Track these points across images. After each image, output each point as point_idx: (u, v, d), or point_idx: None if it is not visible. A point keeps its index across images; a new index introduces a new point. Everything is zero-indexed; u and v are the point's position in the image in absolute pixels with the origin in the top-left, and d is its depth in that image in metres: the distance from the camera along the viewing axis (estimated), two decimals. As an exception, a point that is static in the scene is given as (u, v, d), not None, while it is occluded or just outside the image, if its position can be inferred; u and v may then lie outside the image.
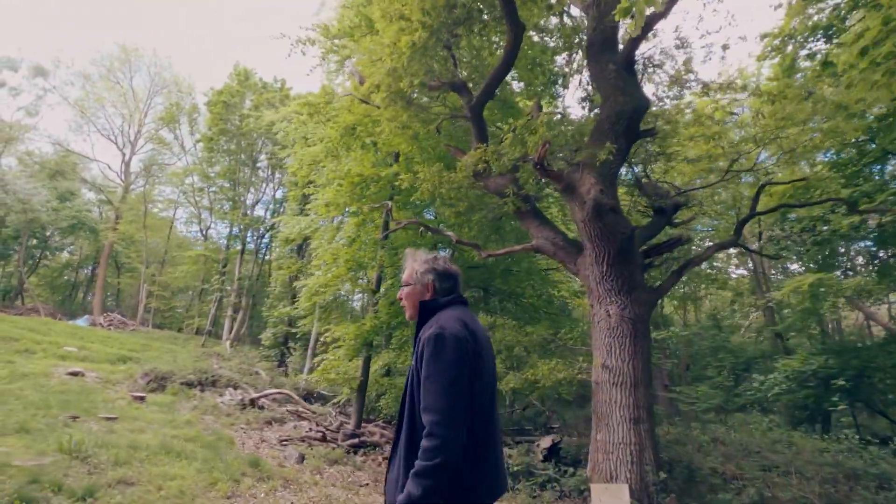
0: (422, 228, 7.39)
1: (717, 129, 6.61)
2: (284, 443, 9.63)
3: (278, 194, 30.32)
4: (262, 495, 5.61)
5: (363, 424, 10.27)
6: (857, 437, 8.67)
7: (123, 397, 12.63)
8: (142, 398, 12.57)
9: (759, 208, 7.19)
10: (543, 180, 6.97)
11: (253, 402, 13.12)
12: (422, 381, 1.73)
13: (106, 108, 31.59)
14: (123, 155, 32.15)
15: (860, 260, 14.38)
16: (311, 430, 10.10)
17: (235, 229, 29.94)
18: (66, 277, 38.23)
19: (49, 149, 32.90)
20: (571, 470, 6.18)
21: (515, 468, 6.76)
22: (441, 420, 1.60)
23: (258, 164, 29.96)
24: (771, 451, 7.40)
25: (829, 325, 17.81)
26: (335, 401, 13.15)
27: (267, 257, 30.69)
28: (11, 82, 32.39)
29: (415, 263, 2.14)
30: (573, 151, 6.14)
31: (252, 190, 29.89)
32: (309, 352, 17.29)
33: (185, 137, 31.31)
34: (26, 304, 30.92)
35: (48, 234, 31.85)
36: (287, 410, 12.59)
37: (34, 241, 31.33)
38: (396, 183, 7.01)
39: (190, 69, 58.17)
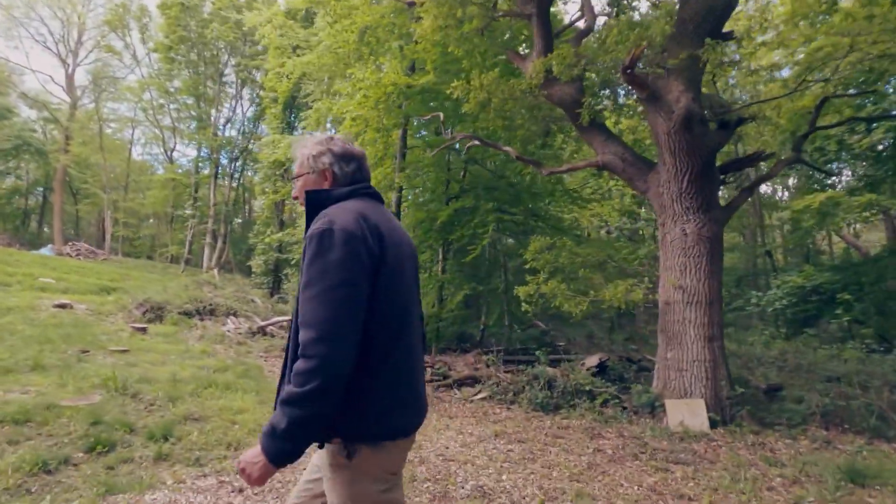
0: (473, 142, 6.73)
1: (806, 32, 6.07)
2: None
3: (249, 112, 28.03)
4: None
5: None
6: (863, 347, 9.25)
7: (123, 329, 12.11)
8: (143, 329, 12.07)
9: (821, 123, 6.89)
10: (605, 90, 6.37)
11: (262, 330, 12.78)
12: (301, 289, 1.34)
13: (38, 9, 27.44)
14: (66, 66, 28.51)
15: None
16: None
17: (205, 151, 27.80)
18: (14, 205, 35.24)
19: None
20: (639, 387, 6.25)
21: (565, 387, 6.79)
22: (319, 335, 1.24)
23: (225, 78, 27.29)
24: (814, 363, 7.74)
25: (810, 247, 18.55)
26: None
27: (241, 181, 28.96)
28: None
29: (304, 149, 1.63)
30: (659, 55, 5.53)
31: (220, 107, 27.43)
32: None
33: (136, 46, 27.87)
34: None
35: (-11, 157, 28.75)
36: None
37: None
38: (448, 92, 6.23)
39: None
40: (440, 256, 10.42)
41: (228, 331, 12.67)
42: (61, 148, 28.19)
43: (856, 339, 10.80)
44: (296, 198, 1.65)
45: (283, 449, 1.25)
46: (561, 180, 9.71)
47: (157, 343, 10.92)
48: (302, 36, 14.66)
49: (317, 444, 1.38)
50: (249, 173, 29.39)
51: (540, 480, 3.62)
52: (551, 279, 6.49)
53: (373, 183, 1.74)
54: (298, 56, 15.46)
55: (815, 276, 11.76)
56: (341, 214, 1.38)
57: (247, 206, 32.50)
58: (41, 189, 36.16)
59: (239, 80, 27.28)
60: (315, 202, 1.52)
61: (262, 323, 12.82)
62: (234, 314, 15.02)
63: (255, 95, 26.66)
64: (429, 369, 8.45)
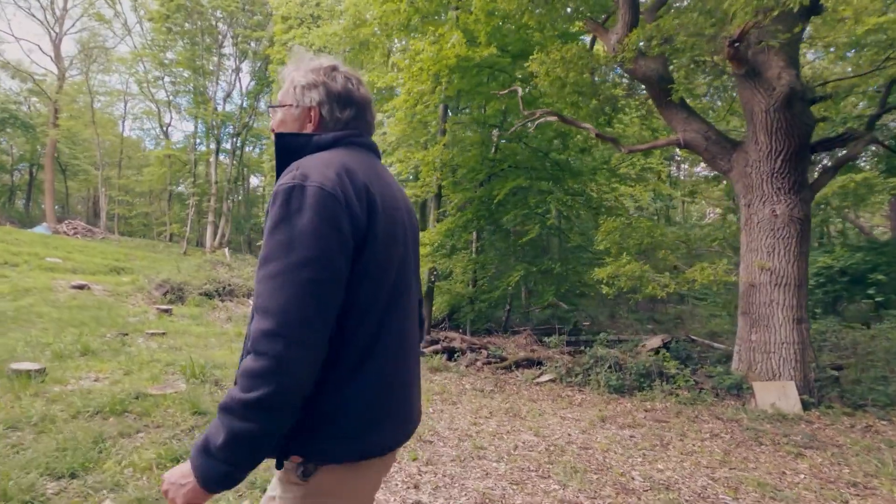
0: (552, 119, 6.47)
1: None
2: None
3: (250, 86, 27.05)
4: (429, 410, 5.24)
5: (431, 331, 10.02)
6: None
7: (147, 310, 11.88)
8: (168, 311, 11.84)
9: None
10: (691, 65, 6.16)
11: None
12: (258, 264, 1.02)
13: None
14: (53, 34, 27.07)
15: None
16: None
17: (202, 127, 26.86)
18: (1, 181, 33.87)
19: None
20: (719, 368, 6.23)
21: (637, 369, 6.75)
22: (275, 328, 0.92)
23: (223, 50, 26.21)
24: (860, 342, 7.82)
25: (824, 229, 18.74)
26: None
27: (241, 158, 28.11)
28: None
29: (297, 73, 1.23)
30: (761, 30, 5.32)
31: (217, 81, 26.40)
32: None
33: (128, 15, 26.50)
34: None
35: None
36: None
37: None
38: (526, 66, 5.94)
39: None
40: (474, 237, 10.25)
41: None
42: (50, 122, 26.98)
43: (884, 319, 11.00)
44: (272, 131, 1.25)
45: (217, 471, 0.94)
46: (607, 160, 9.52)
47: (188, 325, 10.68)
48: (325, 6, 14.01)
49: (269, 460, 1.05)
50: (249, 149, 28.63)
51: (699, 470, 3.54)
52: (629, 260, 6.35)
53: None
54: (309, 28, 14.84)
55: (843, 257, 11.87)
56: (318, 167, 1.03)
57: (246, 183, 31.77)
58: (26, 165, 34.81)
59: (238, 53, 26.23)
60: (286, 148, 1.15)
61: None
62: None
63: (256, 68, 25.69)
64: (483, 351, 8.37)
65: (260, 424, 0.92)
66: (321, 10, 13.77)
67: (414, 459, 3.63)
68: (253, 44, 25.55)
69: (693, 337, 8.50)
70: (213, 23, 25.06)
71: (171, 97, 27.79)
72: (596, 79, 6.73)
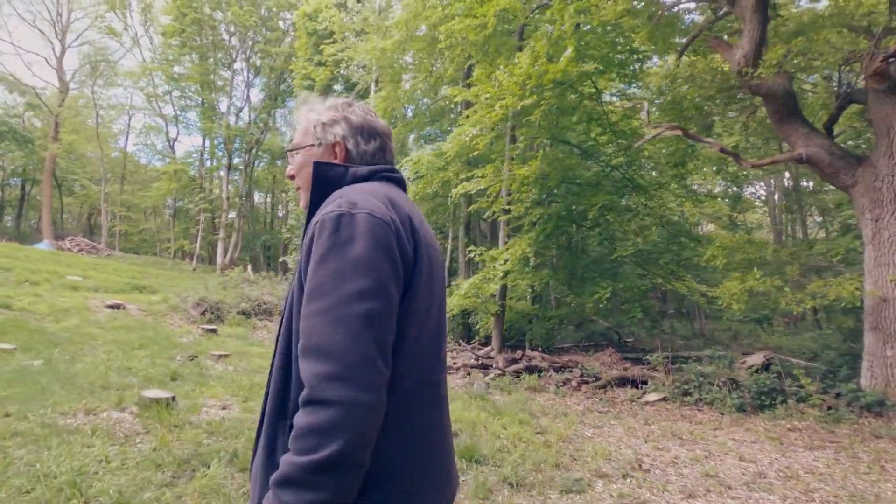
0: (676, 133, 6.39)
1: None
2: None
3: (261, 101, 26.66)
4: (557, 442, 4.97)
5: (504, 350, 9.76)
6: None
7: (190, 331, 11.47)
8: (213, 330, 11.45)
9: None
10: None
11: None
12: (304, 299, 0.90)
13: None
14: (60, 47, 26.42)
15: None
16: (455, 358, 9.44)
17: (209, 142, 26.33)
18: (-11, 197, 32.57)
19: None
20: (851, 385, 6.11)
21: (759, 388, 6.57)
22: (337, 370, 0.81)
23: (235, 65, 25.90)
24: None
25: None
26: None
27: (251, 174, 27.55)
28: None
29: (312, 113, 1.19)
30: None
31: (231, 96, 26.03)
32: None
33: (136, 28, 26.10)
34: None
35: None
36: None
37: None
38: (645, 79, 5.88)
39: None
40: (533, 254, 10.09)
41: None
42: (50, 136, 26.15)
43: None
44: (291, 177, 1.19)
45: None
46: (680, 175, 9.50)
47: (242, 345, 10.27)
48: (372, 20, 13.91)
49: None
50: (259, 165, 28.14)
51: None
52: (760, 276, 6.24)
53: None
54: (336, 42, 14.72)
55: None
56: (364, 196, 0.97)
57: (249, 200, 31.13)
58: (18, 180, 33.62)
59: (250, 68, 25.96)
60: (324, 178, 1.07)
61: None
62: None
63: (270, 83, 25.42)
64: (575, 370, 8.12)
65: (333, 492, 0.79)
66: (367, 24, 13.68)
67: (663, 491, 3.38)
68: (269, 59, 25.34)
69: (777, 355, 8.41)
70: (227, 38, 24.82)
71: (178, 112, 27.29)
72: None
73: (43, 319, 9.77)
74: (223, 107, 26.13)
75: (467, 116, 10.32)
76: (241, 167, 26.00)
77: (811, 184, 16.13)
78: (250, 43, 25.08)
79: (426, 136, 18.18)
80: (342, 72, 17.30)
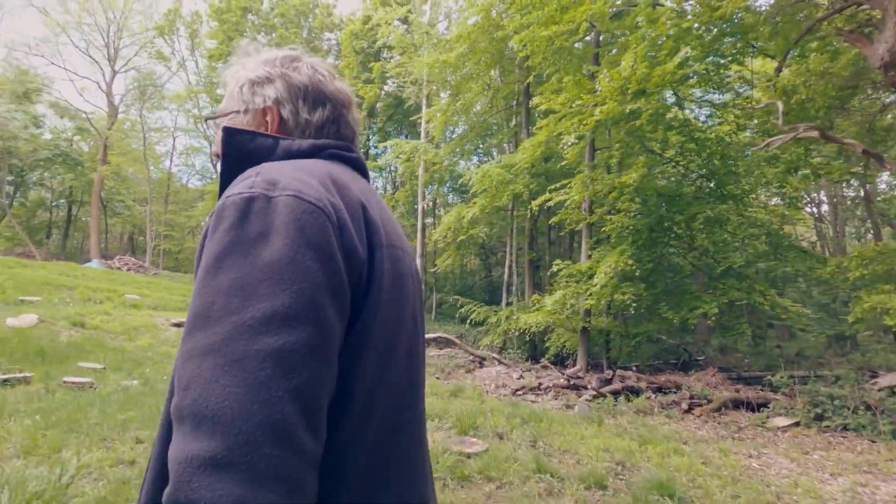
0: (811, 135, 5.90)
1: None
2: (519, 392, 8.47)
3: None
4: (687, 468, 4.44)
5: (589, 370, 9.23)
6: None
7: None
8: None
9: None
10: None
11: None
12: (185, 328, 0.59)
13: (77, 14, 26.32)
14: (110, 72, 27.33)
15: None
16: (539, 378, 8.95)
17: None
18: (38, 218, 33.66)
19: (9, 62, 27.41)
20: None
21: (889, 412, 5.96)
22: (221, 451, 0.48)
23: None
24: None
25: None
26: (483, 345, 12.01)
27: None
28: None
29: (243, 70, 0.89)
30: None
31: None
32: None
33: (183, 52, 26.85)
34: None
35: (23, 166, 27.24)
36: (444, 355, 11.33)
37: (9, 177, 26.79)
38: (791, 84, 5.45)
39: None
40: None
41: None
42: (99, 158, 26.89)
43: None
44: (217, 155, 0.86)
45: None
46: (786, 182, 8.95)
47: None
48: (432, 33, 13.88)
49: None
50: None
51: None
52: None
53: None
54: (392, 58, 14.72)
55: None
56: (291, 171, 0.67)
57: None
58: (64, 201, 34.68)
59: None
60: (241, 152, 0.77)
61: (406, 341, 11.85)
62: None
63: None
64: (683, 391, 7.56)
65: None
66: (428, 38, 13.62)
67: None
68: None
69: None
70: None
71: (220, 133, 27.81)
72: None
73: (117, 338, 9.71)
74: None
75: (540, 128, 10.04)
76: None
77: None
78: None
79: (477, 151, 18.03)
80: (387, 88, 17.35)
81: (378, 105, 19.44)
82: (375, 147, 20.79)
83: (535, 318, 8.95)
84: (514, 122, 15.23)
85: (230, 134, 0.77)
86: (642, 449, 4.54)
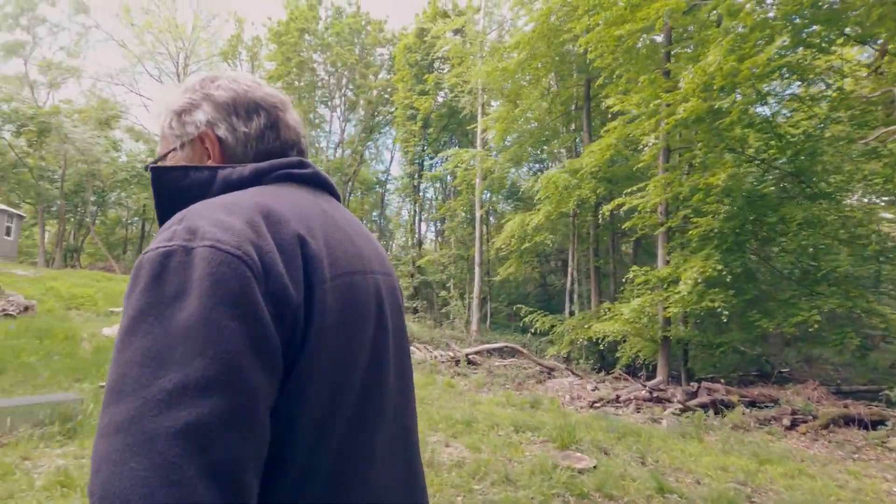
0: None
1: None
2: (597, 405, 8.14)
3: (354, 133, 27.79)
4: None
5: (670, 382, 8.77)
6: None
7: None
8: None
9: None
10: None
11: (467, 359, 11.64)
12: (103, 403, 0.51)
13: (150, 45, 28.39)
14: (178, 97, 29.13)
15: None
16: (616, 390, 8.59)
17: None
18: (116, 235, 36.40)
19: (93, 92, 29.90)
20: None
21: None
22: None
23: (332, 102, 27.25)
24: None
25: None
26: (551, 353, 11.70)
27: (348, 204, 28.55)
28: (51, 18, 28.92)
29: (166, 103, 0.80)
30: None
31: (330, 131, 27.34)
32: (475, 301, 15.65)
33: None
34: (83, 264, 29.26)
35: (104, 187, 29.51)
36: (510, 365, 11.11)
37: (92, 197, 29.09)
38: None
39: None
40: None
41: (434, 358, 11.60)
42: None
43: None
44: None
45: None
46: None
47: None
48: (491, 44, 13.94)
49: None
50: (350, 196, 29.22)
51: None
52: None
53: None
54: (450, 69, 14.80)
55: None
56: (214, 214, 0.59)
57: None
58: (138, 218, 37.30)
59: (346, 103, 27.15)
60: (172, 192, 0.70)
61: (471, 350, 11.71)
62: (409, 341, 14.03)
63: (367, 116, 26.47)
64: (787, 407, 7.00)
65: None
66: (484, 48, 13.66)
67: None
68: (366, 93, 26.43)
69: None
70: (325, 77, 26.23)
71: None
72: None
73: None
74: (322, 142, 27.44)
75: (608, 130, 9.75)
76: (345, 197, 26.97)
77: None
78: (344, 81, 26.31)
79: (531, 158, 17.81)
80: (440, 98, 17.48)
81: (431, 116, 19.63)
82: (432, 158, 20.96)
83: (611, 326, 8.60)
84: (572, 127, 14.94)
85: (158, 174, 0.72)
86: (762, 469, 4.19)
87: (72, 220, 30.87)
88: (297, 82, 26.19)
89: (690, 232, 7.78)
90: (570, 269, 14.50)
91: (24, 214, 26.54)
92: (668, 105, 7.30)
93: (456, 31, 16.35)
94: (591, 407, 8.14)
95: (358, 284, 0.70)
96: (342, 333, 0.65)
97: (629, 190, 8.56)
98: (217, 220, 0.59)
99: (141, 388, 0.49)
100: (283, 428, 0.58)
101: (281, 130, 0.81)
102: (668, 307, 7.89)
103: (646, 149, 9.62)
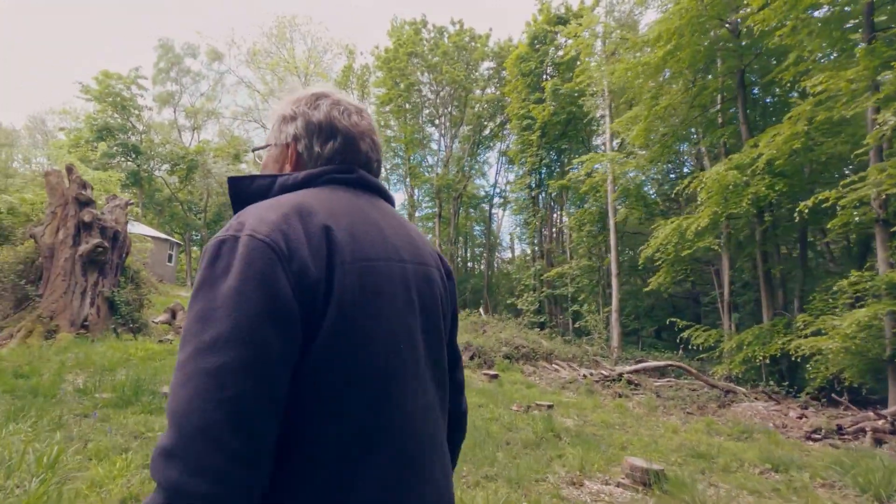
0: None
1: None
2: (815, 436, 6.91)
3: (460, 149, 28.03)
4: None
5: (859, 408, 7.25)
6: None
7: (470, 375, 11.42)
8: (495, 376, 11.16)
9: None
10: None
11: (620, 377, 10.73)
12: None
13: (271, 83, 31.10)
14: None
15: None
16: (833, 418, 7.29)
17: (418, 193, 28.40)
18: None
19: (224, 131, 33.39)
20: None
21: None
22: (172, 444, 0.63)
23: (439, 120, 27.77)
24: None
25: None
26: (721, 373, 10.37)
27: (457, 221, 28.84)
28: (193, 68, 33.02)
29: (280, 106, 0.98)
30: None
31: (439, 149, 27.88)
32: (613, 316, 14.64)
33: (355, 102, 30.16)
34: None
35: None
36: (675, 386, 10.01)
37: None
38: None
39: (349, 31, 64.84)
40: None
41: (584, 377, 10.87)
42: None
43: None
44: None
45: None
46: None
47: (537, 393, 9.51)
48: (628, 38, 13.19)
49: None
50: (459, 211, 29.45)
51: None
52: None
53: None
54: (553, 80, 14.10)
55: None
56: (261, 211, 0.76)
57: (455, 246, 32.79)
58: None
59: (452, 120, 27.46)
60: (241, 197, 0.89)
61: (631, 368, 10.82)
62: (547, 357, 13.39)
63: (473, 132, 26.60)
64: None
65: None
66: (626, 40, 12.89)
67: None
68: (474, 107, 26.62)
69: None
70: (432, 97, 26.80)
71: (387, 171, 30.10)
72: None
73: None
74: (430, 160, 28.00)
75: (790, 117, 8.53)
76: (452, 214, 27.34)
77: None
78: (450, 98, 26.68)
79: (669, 159, 16.46)
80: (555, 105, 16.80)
81: (547, 124, 19.02)
82: (560, 165, 20.22)
83: (825, 343, 7.32)
84: (719, 121, 13.55)
85: (232, 183, 0.90)
86: None
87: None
88: (406, 105, 27.08)
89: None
90: (725, 279, 13.01)
91: (182, 243, 30.06)
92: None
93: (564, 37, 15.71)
94: (809, 439, 6.94)
95: (379, 269, 0.81)
96: (359, 306, 0.76)
97: (846, 182, 7.27)
98: (259, 215, 0.74)
99: (193, 338, 0.67)
100: (313, 373, 0.72)
101: (349, 154, 0.93)
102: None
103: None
